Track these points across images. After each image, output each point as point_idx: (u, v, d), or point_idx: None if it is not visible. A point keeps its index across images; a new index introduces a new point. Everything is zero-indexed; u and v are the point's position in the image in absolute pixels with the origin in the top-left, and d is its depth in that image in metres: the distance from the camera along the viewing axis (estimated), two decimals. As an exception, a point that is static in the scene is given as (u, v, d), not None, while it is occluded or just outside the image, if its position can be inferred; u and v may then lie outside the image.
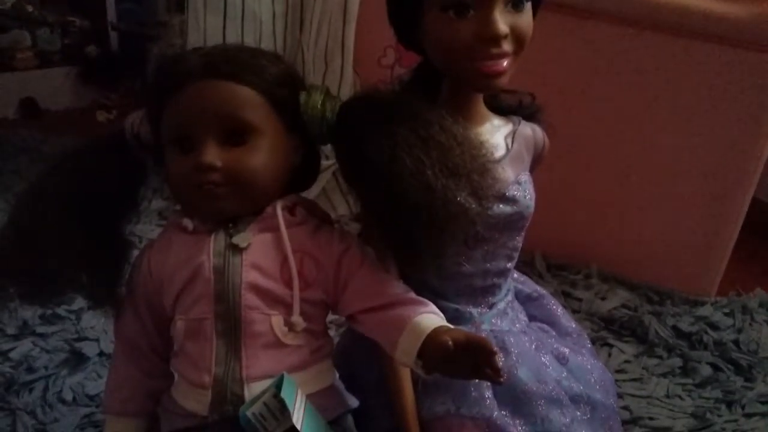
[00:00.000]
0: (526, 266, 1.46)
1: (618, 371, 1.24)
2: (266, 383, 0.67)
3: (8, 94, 2.02)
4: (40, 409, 1.07)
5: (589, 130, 1.40)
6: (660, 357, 1.29)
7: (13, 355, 1.18)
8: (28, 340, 1.21)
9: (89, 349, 1.20)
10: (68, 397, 1.10)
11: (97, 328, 1.24)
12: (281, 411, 0.64)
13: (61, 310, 1.25)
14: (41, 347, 1.20)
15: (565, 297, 1.41)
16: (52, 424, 1.05)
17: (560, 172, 1.36)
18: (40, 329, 1.23)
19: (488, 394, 0.74)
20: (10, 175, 1.73)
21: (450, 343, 0.60)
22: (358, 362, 0.80)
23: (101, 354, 1.19)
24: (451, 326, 0.65)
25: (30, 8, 2.12)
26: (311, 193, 1.43)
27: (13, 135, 1.91)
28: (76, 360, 1.18)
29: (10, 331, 1.22)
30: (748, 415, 1.17)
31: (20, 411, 1.05)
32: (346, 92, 1.52)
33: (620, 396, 1.19)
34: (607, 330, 1.34)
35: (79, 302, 1.24)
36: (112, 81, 2.12)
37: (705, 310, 1.40)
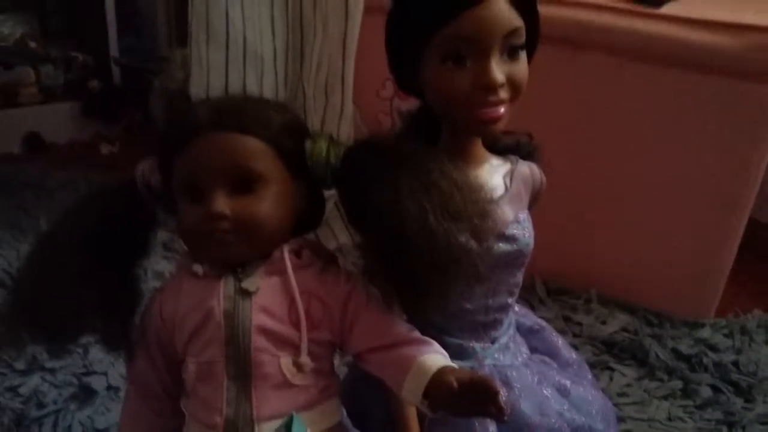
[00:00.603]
0: (526, 292, 1.49)
1: (619, 395, 1.26)
2: (276, 423, 0.69)
3: (13, 129, 2.05)
4: (51, 445, 1.09)
5: (587, 158, 1.42)
6: (661, 380, 1.31)
7: (22, 390, 1.20)
8: (37, 375, 1.23)
9: (97, 383, 1.22)
10: (77, 431, 1.12)
11: (105, 362, 1.26)
12: (292, 450, 0.66)
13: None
14: (50, 382, 1.22)
15: (566, 321, 1.43)
16: (62, 459, 1.07)
17: (559, 200, 1.38)
18: (48, 364, 1.25)
19: (492, 429, 0.76)
20: (14, 211, 1.75)
21: (455, 383, 0.62)
22: (365, 399, 0.82)
23: (109, 388, 1.21)
24: (456, 366, 0.67)
25: (33, 44, 2.15)
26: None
27: (18, 171, 1.94)
28: (85, 394, 1.20)
29: (19, 366, 1.24)
30: (749, 436, 1.19)
31: (31, 447, 1.08)
32: (346, 125, 1.55)
33: (622, 419, 1.21)
34: (608, 354, 1.36)
35: (86, 336, 1.26)
36: (114, 114, 2.15)
37: (704, 332, 1.42)
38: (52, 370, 1.24)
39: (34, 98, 2.11)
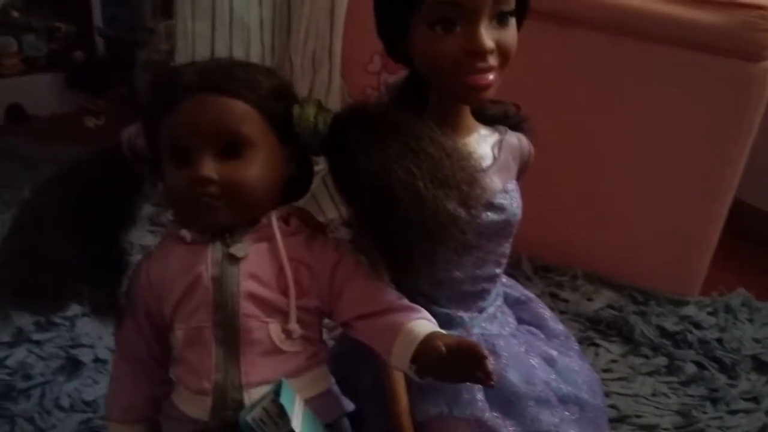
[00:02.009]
0: (513, 269, 1.49)
1: (605, 370, 1.27)
2: (265, 389, 0.69)
3: (-5, 100, 2.03)
4: (38, 416, 1.08)
5: (573, 134, 1.42)
6: (646, 356, 1.32)
7: (9, 362, 1.19)
8: (24, 348, 1.22)
9: (85, 355, 1.21)
10: (65, 403, 1.11)
11: (92, 334, 1.25)
12: (280, 416, 0.66)
13: (55, 317, 1.26)
14: (37, 354, 1.21)
15: (552, 298, 1.44)
16: (50, 430, 1.07)
17: (545, 177, 1.38)
18: (35, 336, 1.24)
19: (480, 396, 0.76)
20: (-2, 183, 1.73)
21: (443, 348, 0.62)
22: (353, 367, 0.82)
23: (96, 360, 1.21)
24: (444, 332, 0.68)
25: (16, 14, 2.12)
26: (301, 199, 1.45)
27: (1, 141, 1.91)
28: (72, 366, 1.19)
29: (5, 338, 1.23)
30: (733, 412, 1.20)
31: (18, 417, 1.07)
32: (334, 98, 1.54)
33: (607, 395, 1.21)
34: (594, 330, 1.37)
35: (74, 309, 1.23)
36: (99, 86, 2.12)
37: (689, 310, 1.43)
38: (38, 343, 1.23)
39: (17, 69, 2.08)
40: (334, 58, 1.50)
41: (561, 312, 1.40)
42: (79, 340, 1.24)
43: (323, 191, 1.48)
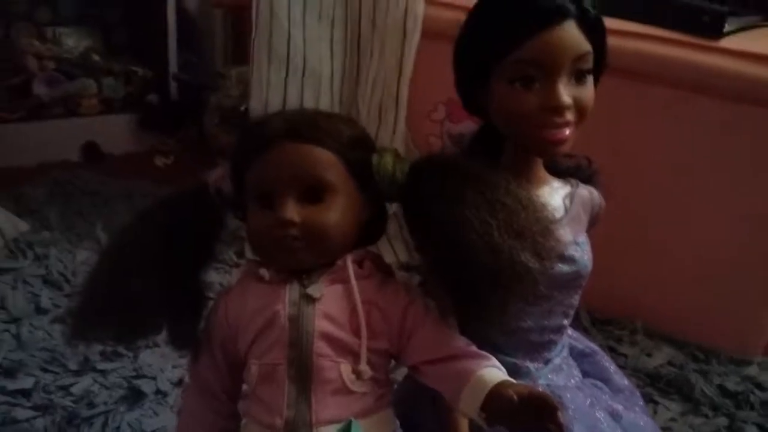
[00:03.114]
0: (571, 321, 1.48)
1: (664, 429, 1.24)
2: (333, 428, 0.71)
3: (72, 138, 2.12)
4: (100, 444, 1.12)
5: (639, 188, 1.42)
6: (706, 416, 1.29)
7: (74, 390, 1.23)
8: (89, 376, 1.26)
9: (147, 386, 1.24)
10: (126, 432, 1.15)
11: (154, 366, 1.29)
12: (349, 455, 0.67)
13: (120, 348, 1.30)
14: (101, 383, 1.25)
15: (611, 352, 1.42)
16: (111, 458, 1.10)
17: (606, 228, 1.38)
18: (100, 366, 1.28)
19: (546, 447, 0.76)
20: (71, 216, 1.81)
21: (514, 397, 0.63)
22: (417, 411, 0.82)
23: (158, 392, 1.24)
24: (514, 381, 0.68)
25: (96, 57, 2.23)
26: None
27: (76, 178, 2.00)
28: (134, 397, 1.22)
29: (72, 366, 1.28)
30: (795, 477, 1.17)
31: (81, 445, 1.10)
32: (398, 146, 1.57)
33: (667, 454, 1.19)
34: (653, 387, 1.35)
35: (145, 340, 1.29)
36: (170, 128, 2.22)
37: (752, 370, 1.40)
38: (103, 372, 1.27)
39: (95, 109, 2.18)
40: (400, 106, 1.55)
41: (619, 367, 1.36)
42: (141, 371, 1.28)
43: (398, 235, 1.50)
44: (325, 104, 1.50)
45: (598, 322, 1.50)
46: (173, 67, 2.21)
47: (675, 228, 1.43)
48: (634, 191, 1.41)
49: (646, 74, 1.37)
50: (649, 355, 1.42)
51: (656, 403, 1.31)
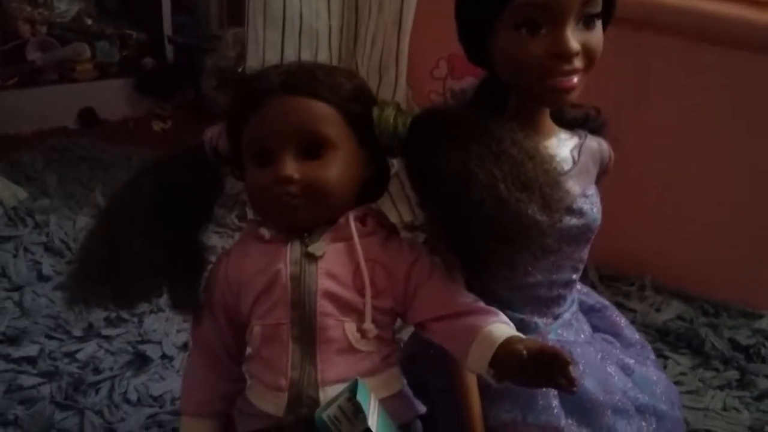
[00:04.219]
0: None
1: (674, 383, 1.23)
2: (340, 387, 0.69)
3: (68, 104, 2.09)
4: (107, 409, 1.11)
5: (644, 141, 1.39)
6: (716, 369, 1.28)
7: (79, 356, 1.22)
8: (94, 342, 1.25)
9: (152, 351, 1.24)
10: (133, 397, 1.14)
11: (159, 331, 1.28)
12: (355, 414, 0.66)
13: (124, 313, 1.29)
14: (106, 349, 1.24)
15: (619, 308, 1.38)
16: (118, 423, 1.09)
17: (613, 183, 1.36)
18: (105, 331, 1.27)
19: (555, 403, 0.75)
20: (71, 182, 1.79)
21: (524, 352, 0.61)
22: (424, 370, 0.81)
23: (164, 356, 1.23)
24: (524, 336, 0.67)
25: (89, 21, 2.19)
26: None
27: (73, 144, 1.98)
28: (140, 362, 1.22)
29: (76, 333, 1.27)
30: (807, 428, 1.16)
31: (88, 410, 1.10)
32: (400, 104, 1.54)
33: (677, 408, 1.19)
34: (663, 342, 1.33)
35: (142, 306, 1.28)
36: (167, 92, 2.18)
37: (762, 323, 1.38)
38: (108, 338, 1.26)
39: (90, 74, 2.14)
40: (400, 63, 1.51)
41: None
42: (147, 336, 1.27)
43: (402, 197, 1.48)
44: (323, 62, 1.46)
45: (606, 278, 1.49)
46: (168, 29, 2.16)
47: (683, 182, 1.41)
48: (638, 146, 1.38)
49: (648, 22, 1.33)
50: (658, 310, 1.40)
51: (666, 357, 1.30)
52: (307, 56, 1.45)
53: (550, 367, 0.60)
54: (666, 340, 1.34)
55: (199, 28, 2.28)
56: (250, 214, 1.46)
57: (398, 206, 1.49)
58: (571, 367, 0.59)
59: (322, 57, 1.47)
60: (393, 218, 1.47)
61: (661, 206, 1.44)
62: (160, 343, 1.26)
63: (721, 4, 1.28)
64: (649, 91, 1.38)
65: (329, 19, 1.47)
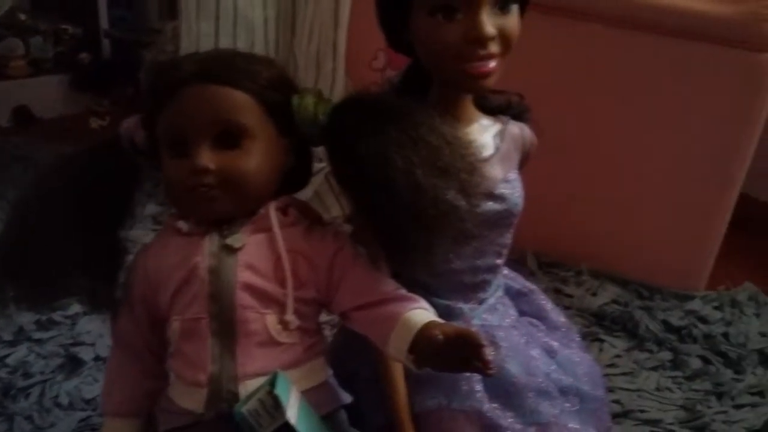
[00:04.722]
0: (518, 264, 1.47)
1: (609, 365, 1.26)
2: (261, 381, 0.68)
3: (1, 102, 2.03)
4: (37, 414, 1.08)
5: (580, 129, 1.42)
6: (650, 351, 1.31)
7: (9, 360, 1.18)
8: (24, 346, 1.21)
9: (85, 353, 1.21)
10: (64, 401, 1.11)
11: (93, 332, 1.25)
12: (275, 407, 0.65)
13: (56, 316, 1.26)
14: (37, 353, 1.21)
15: (557, 294, 1.43)
16: (48, 428, 1.06)
17: (551, 171, 1.38)
18: (36, 335, 1.24)
19: (479, 387, 0.75)
20: (2, 184, 1.73)
21: (440, 336, 0.61)
22: (352, 359, 0.81)
23: (97, 358, 1.20)
24: (442, 321, 0.67)
25: (22, 16, 2.13)
26: (304, 196, 1.44)
27: (6, 143, 1.92)
28: (72, 365, 1.19)
29: (6, 337, 1.23)
30: (738, 407, 1.19)
31: (17, 416, 1.06)
32: (338, 95, 1.53)
33: (611, 390, 1.20)
34: (598, 325, 1.36)
35: (75, 307, 1.25)
36: (104, 88, 2.13)
37: (694, 304, 1.42)
38: (39, 341, 1.23)
39: (23, 71, 2.09)
40: (338, 55, 1.51)
41: (566, 307, 1.39)
42: (79, 338, 1.24)
43: (327, 189, 1.48)
44: (259, 52, 1.44)
45: (545, 264, 1.51)
46: (104, 23, 2.11)
47: (616, 166, 1.43)
48: (571, 135, 1.40)
49: (578, 12, 1.34)
50: (594, 294, 1.43)
51: (602, 341, 1.32)
52: (243, 47, 1.44)
53: (465, 351, 0.61)
54: (602, 324, 1.36)
55: (138, 21, 2.24)
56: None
57: (340, 198, 1.49)
58: (485, 350, 0.60)
59: (259, 48, 1.46)
60: (335, 211, 1.48)
61: (596, 192, 1.47)
62: (93, 344, 1.23)
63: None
64: (586, 80, 1.40)
65: (265, 9, 1.46)
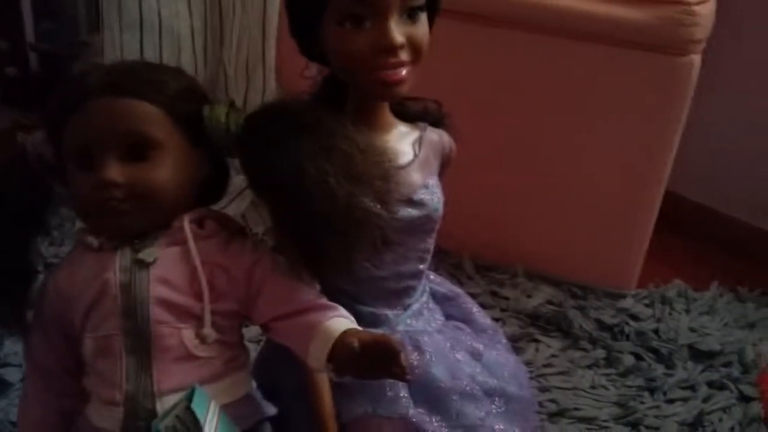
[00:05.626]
0: (455, 269, 1.49)
1: (545, 365, 1.28)
2: (179, 396, 0.67)
3: None
4: (-39, 439, 1.04)
5: (510, 135, 1.43)
6: (584, 349, 1.33)
7: (-68, 383, 1.14)
8: (-52, 369, 1.17)
9: (12, 375, 1.17)
10: (-9, 424, 1.07)
11: (20, 354, 1.20)
12: (194, 423, 0.64)
13: (-21, 339, 1.22)
14: (-38, 375, 1.16)
15: (493, 296, 1.44)
16: (-27, 453, 1.03)
17: (484, 178, 1.40)
18: (-41, 357, 1.19)
19: (404, 393, 0.75)
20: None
21: (357, 344, 0.61)
22: (278, 371, 0.80)
23: (24, 380, 1.16)
24: (360, 328, 0.67)
25: (-57, 30, 2.05)
26: (240, 207, 1.43)
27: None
28: (-1, 387, 1.15)
29: (-70, 359, 1.19)
30: (670, 401, 1.22)
31: (-60, 442, 1.03)
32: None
33: (547, 389, 1.22)
34: (534, 326, 1.38)
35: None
36: (32, 102, 2.06)
37: (626, 303, 1.45)
38: (-37, 363, 1.19)
39: (-55, 86, 2.01)
40: (267, 65, 1.50)
41: (502, 310, 1.40)
42: (6, 360, 1.20)
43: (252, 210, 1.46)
44: (187, 64, 1.43)
45: (482, 268, 1.52)
46: (30, 36, 2.05)
47: (543, 170, 1.45)
48: (500, 140, 1.42)
49: (496, 17, 1.36)
50: (529, 296, 1.45)
51: (537, 341, 1.34)
52: (169, 59, 1.41)
53: (382, 358, 0.61)
54: (537, 324, 1.38)
55: (67, 34, 2.18)
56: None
57: (262, 212, 1.47)
58: (402, 356, 0.60)
59: (186, 59, 1.44)
60: (259, 225, 1.45)
61: (529, 197, 1.48)
62: (20, 366, 1.19)
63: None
64: (510, 86, 1.41)
65: (191, 18, 1.44)
